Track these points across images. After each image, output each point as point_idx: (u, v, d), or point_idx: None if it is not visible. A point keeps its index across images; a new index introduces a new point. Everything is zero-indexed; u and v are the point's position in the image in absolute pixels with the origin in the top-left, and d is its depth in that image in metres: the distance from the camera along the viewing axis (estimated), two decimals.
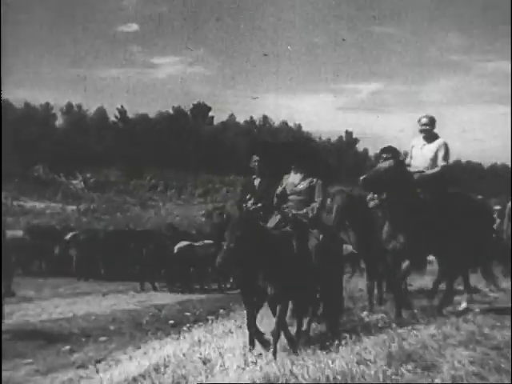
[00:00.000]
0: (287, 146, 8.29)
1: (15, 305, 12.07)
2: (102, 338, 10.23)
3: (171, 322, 11.17)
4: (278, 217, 7.36)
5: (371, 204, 8.66)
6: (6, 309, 10.34)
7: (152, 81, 36.83)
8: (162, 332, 10.34)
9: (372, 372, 5.84)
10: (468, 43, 37.49)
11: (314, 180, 7.47)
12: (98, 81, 36.96)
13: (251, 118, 38.63)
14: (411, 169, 8.57)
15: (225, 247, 6.72)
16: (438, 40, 36.63)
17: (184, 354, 7.66)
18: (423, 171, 8.53)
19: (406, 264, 8.24)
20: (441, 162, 8.56)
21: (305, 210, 7.34)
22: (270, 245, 6.87)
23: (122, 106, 35.78)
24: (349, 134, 38.26)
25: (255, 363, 6.63)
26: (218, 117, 38.13)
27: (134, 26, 34.83)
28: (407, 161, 8.79)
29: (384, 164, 8.00)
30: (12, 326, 10.68)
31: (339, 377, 5.83)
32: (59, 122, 35.75)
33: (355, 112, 40.42)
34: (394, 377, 5.78)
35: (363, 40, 36.21)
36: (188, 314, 11.51)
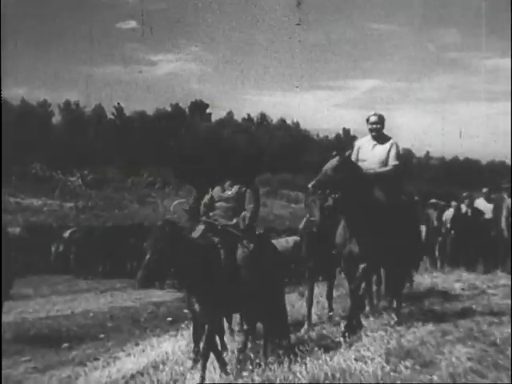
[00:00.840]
0: (220, 156, 8.16)
1: (13, 302, 12.06)
2: (100, 336, 10.25)
3: (169, 319, 11.19)
4: (203, 226, 6.77)
5: (326, 204, 8.27)
6: (4, 307, 10.33)
7: (150, 78, 36.80)
8: (160, 329, 10.37)
9: (370, 369, 5.84)
10: (466, 40, 37.48)
11: (245, 186, 7.00)
12: (95, 78, 36.88)
13: (249, 115, 38.62)
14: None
15: (145, 261, 6.07)
16: (436, 37, 36.64)
17: (182, 352, 7.67)
18: (373, 169, 7.88)
19: (361, 267, 7.42)
20: (393, 162, 7.92)
21: (235, 220, 6.79)
22: (194, 257, 6.25)
23: (118, 104, 35.74)
24: (346, 131, 38.27)
25: (253, 360, 6.64)
26: (216, 114, 38.13)
27: (133, 23, 34.76)
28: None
29: (330, 163, 7.30)
30: (10, 324, 10.68)
31: (338, 374, 5.84)
32: (57, 119, 35.71)
33: (353, 109, 40.42)
34: (392, 374, 5.79)
35: (361, 37, 36.21)
36: (186, 311, 11.50)
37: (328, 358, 6.25)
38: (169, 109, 36.56)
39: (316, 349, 6.68)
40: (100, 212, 27.98)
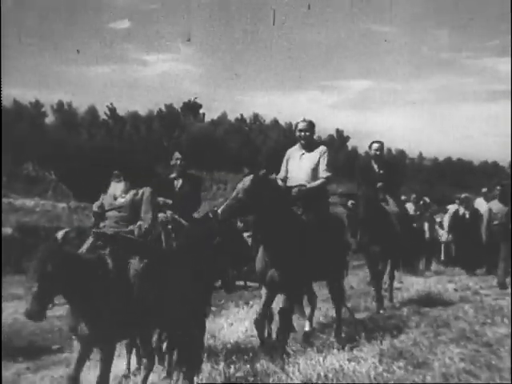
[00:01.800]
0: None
1: (5, 303, 12.01)
2: None
3: None
4: (92, 238, 6.03)
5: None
6: None
7: (143, 78, 36.74)
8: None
9: (363, 369, 5.84)
10: (459, 41, 37.59)
11: (140, 191, 6.10)
12: (88, 78, 36.82)
13: (241, 115, 38.63)
14: (289, 183, 7.13)
15: (34, 292, 5.17)
16: (429, 38, 36.71)
17: None
18: (304, 185, 7.01)
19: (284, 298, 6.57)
20: (324, 173, 7.04)
21: (131, 227, 5.94)
22: (79, 274, 5.43)
23: (111, 104, 35.68)
24: (339, 132, 38.32)
25: (246, 360, 6.62)
26: (209, 114, 38.13)
27: (126, 23, 34.74)
28: (281, 175, 7.24)
29: (242, 184, 6.30)
30: (1, 325, 10.63)
31: (330, 374, 5.83)
32: (50, 119, 35.64)
33: (346, 110, 40.49)
34: (385, 374, 5.79)
35: (354, 38, 36.24)
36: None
37: (321, 359, 6.25)
38: (162, 109, 36.57)
39: (309, 349, 6.69)
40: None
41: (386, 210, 9.27)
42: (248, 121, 39.15)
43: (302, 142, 7.19)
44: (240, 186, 6.29)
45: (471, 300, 9.47)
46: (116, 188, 6.20)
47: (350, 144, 38.06)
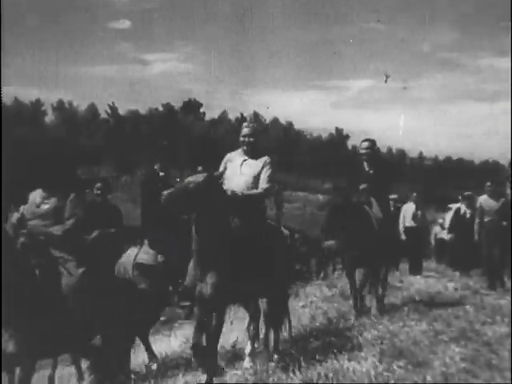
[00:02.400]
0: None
1: None
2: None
3: (162, 318, 11.12)
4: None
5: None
6: None
7: (143, 77, 36.70)
8: (153, 329, 10.32)
9: (364, 369, 5.84)
10: (460, 40, 37.54)
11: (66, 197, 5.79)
12: (88, 77, 36.80)
13: (242, 114, 38.62)
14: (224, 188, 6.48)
15: None
16: (430, 37, 36.68)
17: (175, 351, 7.66)
18: (239, 192, 6.44)
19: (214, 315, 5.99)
20: (264, 184, 6.52)
21: (50, 229, 5.61)
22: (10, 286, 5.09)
23: (113, 103, 35.70)
24: (339, 131, 38.29)
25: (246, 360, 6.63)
26: (209, 113, 38.13)
27: (126, 23, 34.70)
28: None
29: (195, 177, 5.89)
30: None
31: (331, 374, 5.83)
32: (50, 118, 35.64)
33: (346, 109, 40.46)
34: (385, 373, 5.78)
35: (354, 37, 36.22)
36: (179, 310, 11.47)
37: (321, 358, 6.26)
38: (162, 108, 36.58)
39: (310, 349, 6.69)
40: None
41: (367, 213, 8.81)
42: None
43: (245, 147, 6.67)
44: (191, 179, 5.86)
45: (471, 299, 9.46)
46: (36, 194, 5.89)
47: (349, 143, 38.05)
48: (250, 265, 5.98)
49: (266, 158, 6.65)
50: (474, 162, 37.07)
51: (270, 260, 6.31)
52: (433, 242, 16.26)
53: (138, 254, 7.10)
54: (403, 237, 13.79)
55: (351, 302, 8.89)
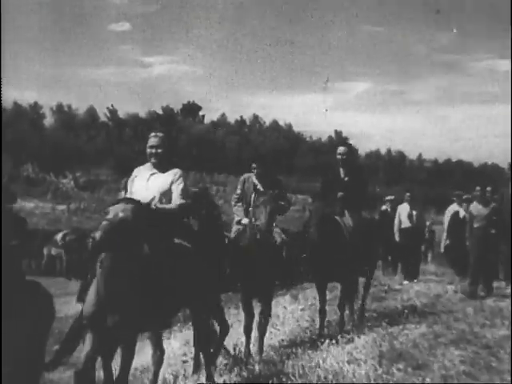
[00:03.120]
0: None
1: None
2: None
3: None
4: None
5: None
6: None
7: (143, 80, 36.74)
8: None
9: (363, 371, 5.84)
10: (458, 43, 37.61)
11: None
12: (88, 80, 36.86)
13: (241, 117, 38.66)
14: None
15: None
16: (428, 39, 36.73)
17: (175, 354, 7.65)
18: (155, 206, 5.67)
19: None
20: (178, 200, 5.89)
21: None
22: None
23: (112, 106, 35.74)
24: (338, 133, 38.32)
25: (246, 362, 6.63)
26: (209, 116, 38.19)
27: (126, 25, 34.76)
28: (121, 195, 6.27)
29: (118, 210, 5.12)
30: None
31: (330, 376, 5.83)
32: (49, 121, 35.68)
33: (345, 112, 40.49)
34: (384, 376, 5.79)
35: (353, 39, 36.28)
36: (179, 313, 11.46)
37: (321, 361, 6.26)
38: (161, 111, 36.62)
39: (309, 351, 6.70)
40: (92, 214, 27.94)
41: (338, 224, 8.07)
42: (248, 122, 39.20)
43: (154, 160, 6.03)
44: (114, 211, 5.11)
45: (471, 302, 9.46)
46: None
47: None
48: (160, 289, 5.33)
49: (175, 171, 5.99)
50: (474, 164, 37.14)
51: (185, 283, 5.61)
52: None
53: None
54: (397, 239, 13.45)
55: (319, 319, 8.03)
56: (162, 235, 5.61)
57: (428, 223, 16.87)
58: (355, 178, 8.42)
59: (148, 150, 6.04)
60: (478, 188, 11.23)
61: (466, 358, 6.32)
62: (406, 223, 13.41)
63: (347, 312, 8.25)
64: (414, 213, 13.46)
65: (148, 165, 6.09)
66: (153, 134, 6.11)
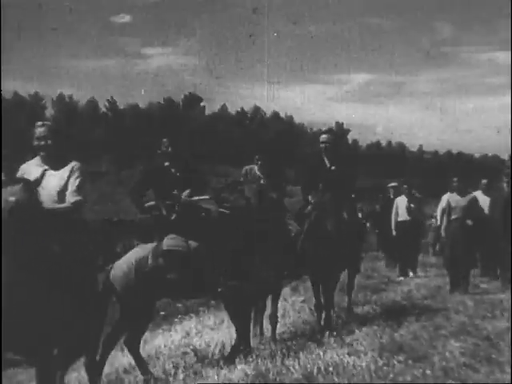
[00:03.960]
0: None
1: None
2: None
3: (162, 313, 11.13)
4: None
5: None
6: None
7: (143, 71, 36.67)
8: (153, 323, 10.33)
9: (363, 363, 5.84)
10: (459, 34, 37.52)
11: None
12: (89, 71, 36.75)
13: (242, 108, 38.62)
14: None
15: None
16: (429, 31, 36.63)
17: (175, 346, 7.66)
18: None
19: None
20: (72, 197, 5.22)
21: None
22: None
23: (111, 97, 35.69)
24: (339, 124, 38.26)
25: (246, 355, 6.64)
26: (210, 107, 38.14)
27: (127, 17, 34.68)
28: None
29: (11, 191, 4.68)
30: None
31: (331, 368, 5.84)
32: (50, 112, 35.65)
33: (346, 103, 40.45)
34: (385, 368, 5.78)
35: (355, 31, 36.20)
36: (179, 305, 11.48)
37: (321, 353, 6.27)
38: (162, 102, 36.58)
39: (309, 343, 6.70)
40: (93, 205, 27.95)
41: (324, 226, 7.39)
42: (249, 114, 39.16)
43: (42, 153, 5.36)
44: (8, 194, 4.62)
45: (471, 294, 9.47)
46: None
47: (350, 137, 38.03)
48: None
49: (73, 164, 5.32)
50: (474, 156, 37.12)
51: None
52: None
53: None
54: (394, 232, 13.05)
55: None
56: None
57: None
58: (342, 167, 7.75)
59: (35, 143, 5.37)
60: (454, 179, 10.84)
61: (467, 349, 6.32)
62: (403, 216, 12.93)
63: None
64: (412, 206, 12.92)
65: (36, 160, 5.42)
66: (39, 123, 5.38)
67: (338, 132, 37.95)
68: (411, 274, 12.63)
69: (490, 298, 9.04)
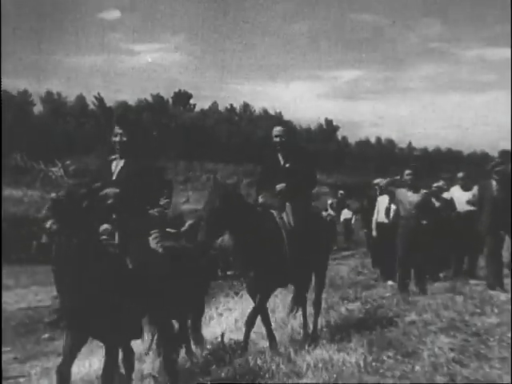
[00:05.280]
0: None
1: None
2: None
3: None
4: None
5: None
6: None
7: (133, 68, 36.58)
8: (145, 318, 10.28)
9: (353, 359, 5.85)
10: (449, 31, 37.62)
11: None
12: (77, 68, 36.63)
13: (231, 105, 38.57)
14: None
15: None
16: (419, 27, 36.73)
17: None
18: None
19: None
20: None
21: None
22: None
23: (98, 94, 35.54)
24: (329, 121, 38.28)
25: (235, 350, 6.62)
26: (199, 104, 38.07)
27: (116, 13, 34.55)
28: None
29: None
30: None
31: (320, 364, 5.84)
32: (38, 109, 35.48)
33: (336, 99, 40.48)
34: (374, 364, 5.80)
35: (344, 27, 36.21)
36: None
37: (310, 348, 6.27)
38: (151, 99, 36.47)
39: (299, 339, 6.71)
40: None
41: (276, 225, 6.66)
42: (238, 110, 39.12)
43: None
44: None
45: (461, 290, 9.48)
46: None
47: (339, 134, 38.06)
48: None
49: None
50: (463, 153, 37.24)
51: None
52: None
53: None
54: (374, 233, 11.92)
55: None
56: None
57: None
58: (297, 164, 6.93)
59: None
60: (407, 172, 9.96)
61: (456, 345, 6.35)
62: (382, 217, 11.36)
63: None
64: (393, 207, 10.61)
65: None
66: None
67: (328, 129, 38.03)
68: (390, 282, 11.00)
69: (479, 294, 9.05)
